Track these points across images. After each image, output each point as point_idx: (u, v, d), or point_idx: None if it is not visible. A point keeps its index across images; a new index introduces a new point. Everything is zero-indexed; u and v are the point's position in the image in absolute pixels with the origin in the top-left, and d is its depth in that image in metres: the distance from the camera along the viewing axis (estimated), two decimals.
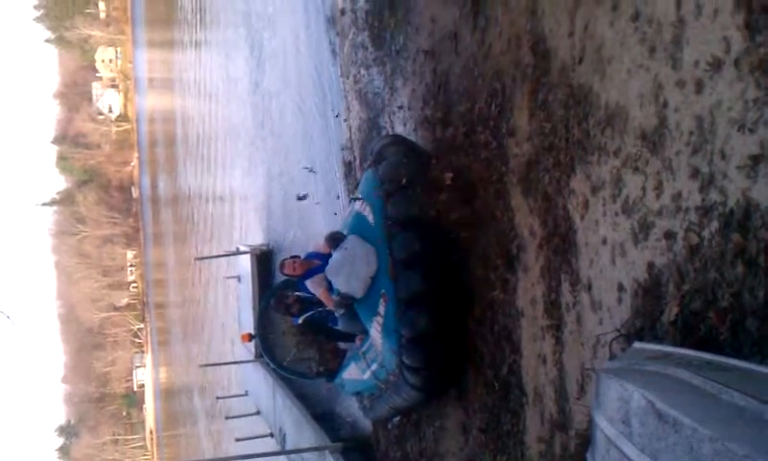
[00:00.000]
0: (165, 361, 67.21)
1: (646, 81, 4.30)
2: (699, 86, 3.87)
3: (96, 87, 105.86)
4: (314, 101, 14.09)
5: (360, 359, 8.40)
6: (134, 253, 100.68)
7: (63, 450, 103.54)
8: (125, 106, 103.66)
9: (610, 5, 4.68)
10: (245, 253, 19.02)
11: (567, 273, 5.35)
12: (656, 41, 4.21)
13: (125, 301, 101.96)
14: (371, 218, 7.62)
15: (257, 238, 19.84)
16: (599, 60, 4.82)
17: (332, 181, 12.77)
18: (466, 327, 7.10)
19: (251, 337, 13.70)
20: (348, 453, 10.97)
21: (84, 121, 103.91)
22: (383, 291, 7.34)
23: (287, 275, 8.78)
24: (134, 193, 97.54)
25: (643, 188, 4.36)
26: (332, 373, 10.06)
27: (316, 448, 11.65)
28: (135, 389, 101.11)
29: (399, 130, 9.10)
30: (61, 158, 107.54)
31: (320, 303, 8.66)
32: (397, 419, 9.34)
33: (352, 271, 7.58)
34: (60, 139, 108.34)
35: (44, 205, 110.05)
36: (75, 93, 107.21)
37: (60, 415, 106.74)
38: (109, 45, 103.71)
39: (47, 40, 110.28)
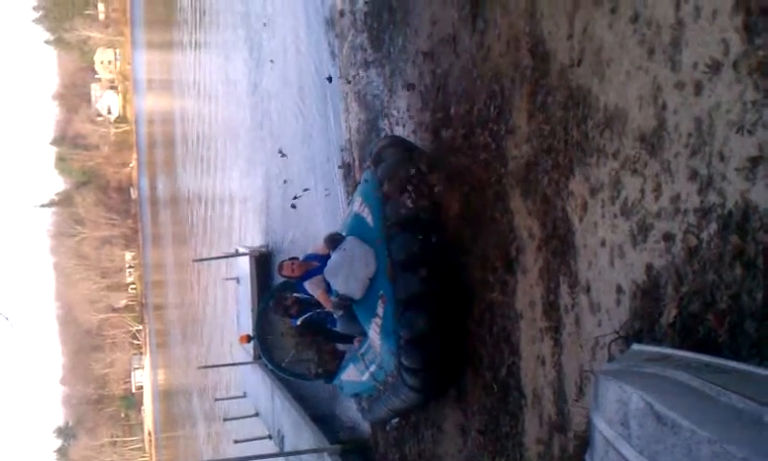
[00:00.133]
0: (164, 363, 67.19)
1: (645, 83, 4.31)
2: (698, 88, 3.87)
3: (95, 89, 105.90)
4: (313, 102, 14.09)
5: (359, 361, 8.40)
6: (133, 254, 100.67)
7: (62, 452, 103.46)
8: (124, 107, 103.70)
9: (608, 7, 4.68)
10: (244, 254, 19.03)
11: (566, 275, 5.35)
12: (655, 43, 4.21)
13: (123, 302, 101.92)
14: (369, 219, 7.62)
15: (256, 240, 19.84)
16: (598, 63, 4.82)
17: (331, 182, 12.77)
18: (464, 329, 7.10)
19: (249, 338, 13.70)
20: (347, 455, 10.97)
21: (83, 122, 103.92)
22: (382, 292, 7.34)
23: (286, 276, 8.78)
24: (133, 194, 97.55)
25: (642, 190, 4.37)
26: (331, 374, 10.06)
27: (314, 450, 11.64)
28: (134, 391, 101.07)
29: (398, 131, 9.10)
30: (60, 160, 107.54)
31: (318, 305, 8.66)
32: (396, 421, 9.33)
33: (351, 272, 7.57)
34: (58, 141, 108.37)
35: (43, 206, 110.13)
36: (74, 95, 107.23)
37: (59, 417, 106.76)
38: (108, 47, 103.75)
39: (46, 42, 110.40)
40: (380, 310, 7.35)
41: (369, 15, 10.29)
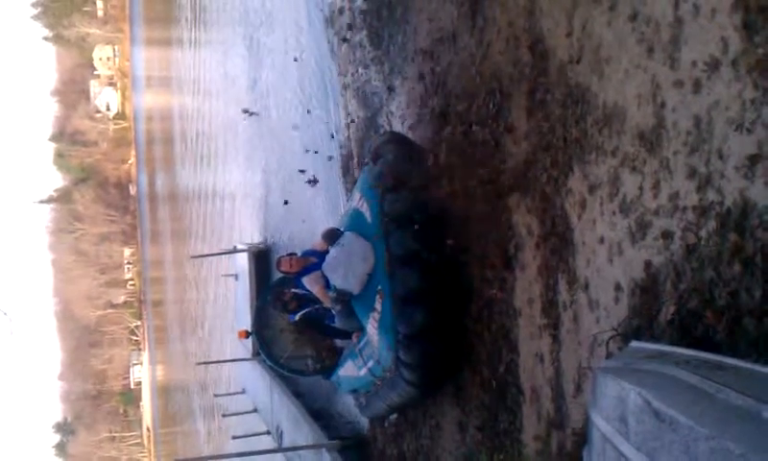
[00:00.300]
0: (162, 359, 67.19)
1: (644, 81, 4.31)
2: (697, 86, 3.88)
3: (94, 85, 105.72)
4: (312, 100, 14.08)
5: (356, 356, 8.41)
6: (132, 250, 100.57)
7: (60, 448, 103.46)
8: (122, 104, 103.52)
9: (608, 5, 4.69)
10: (242, 251, 19.02)
11: (565, 272, 5.36)
12: (654, 41, 4.22)
13: (122, 298, 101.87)
14: (368, 215, 7.62)
15: (255, 236, 19.82)
16: (597, 60, 4.83)
17: (330, 178, 12.77)
18: (463, 326, 7.10)
19: (247, 334, 13.69)
20: (345, 451, 10.97)
21: (82, 119, 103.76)
22: (380, 287, 7.34)
23: (284, 272, 8.77)
24: (132, 191, 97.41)
25: (641, 188, 4.38)
26: (329, 370, 10.07)
27: (313, 446, 11.65)
28: (132, 386, 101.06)
29: (397, 128, 9.10)
30: (59, 156, 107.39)
31: (317, 301, 8.66)
32: (394, 416, 9.34)
33: (349, 267, 7.58)
34: (57, 137, 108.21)
35: (41, 202, 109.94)
36: (73, 91, 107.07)
37: (57, 412, 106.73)
38: (107, 43, 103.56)
39: (45, 38, 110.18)
40: (378, 305, 7.35)
41: (368, 13, 10.29)
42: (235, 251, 20.13)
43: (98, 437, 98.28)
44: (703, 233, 3.87)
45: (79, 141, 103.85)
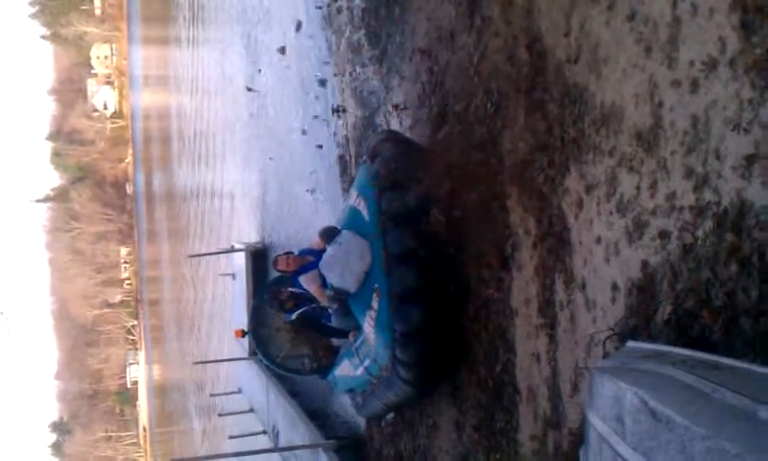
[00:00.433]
0: (159, 358, 67.17)
1: (642, 80, 4.32)
2: (694, 86, 3.88)
3: (91, 84, 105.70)
4: (310, 99, 14.07)
5: (353, 355, 8.40)
6: (128, 249, 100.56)
7: (56, 447, 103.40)
8: (120, 102, 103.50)
9: (606, 4, 4.69)
10: (239, 250, 19.00)
11: (561, 272, 5.36)
12: (651, 41, 4.22)
13: (119, 297, 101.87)
14: (365, 213, 7.62)
15: (252, 235, 19.82)
16: (595, 60, 4.83)
17: (328, 177, 12.77)
18: (460, 325, 7.10)
19: (243, 333, 13.68)
20: (342, 451, 10.97)
21: (79, 118, 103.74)
22: (377, 286, 7.33)
23: (281, 271, 8.77)
24: (129, 190, 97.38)
25: (638, 187, 4.38)
26: (325, 369, 10.06)
27: (309, 446, 11.64)
28: (129, 386, 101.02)
29: (395, 127, 9.10)
30: (56, 155, 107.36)
31: (313, 300, 8.65)
32: (391, 416, 9.34)
33: (346, 265, 7.58)
34: (54, 136, 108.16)
35: (38, 201, 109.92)
36: (70, 90, 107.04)
37: (53, 412, 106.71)
38: (105, 42, 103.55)
39: (42, 37, 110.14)
40: (375, 303, 7.34)
41: (366, 12, 10.28)
42: (232, 250, 20.12)
43: (94, 436, 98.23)
44: (700, 233, 3.87)
45: (76, 140, 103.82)
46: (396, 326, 7.12)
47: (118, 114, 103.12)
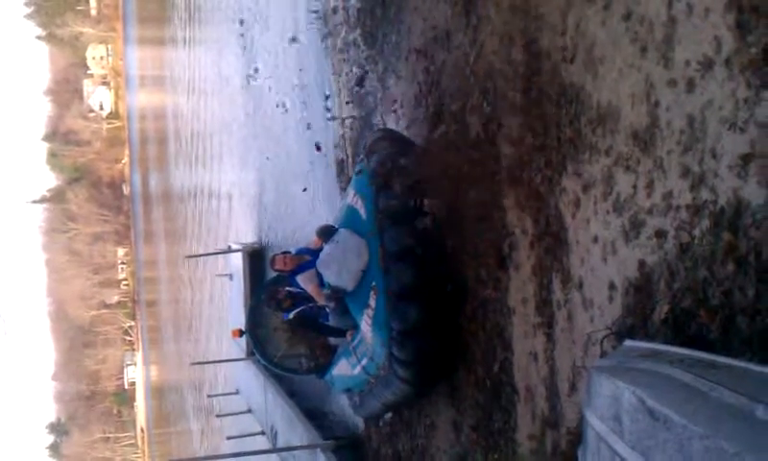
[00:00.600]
0: (156, 359, 67.02)
1: (638, 80, 4.32)
2: (690, 86, 3.89)
3: (87, 85, 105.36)
4: (306, 98, 14.07)
5: (350, 354, 8.40)
6: (125, 250, 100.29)
7: (54, 448, 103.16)
8: (116, 103, 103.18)
9: (602, 4, 4.69)
10: (236, 250, 18.98)
11: (559, 271, 5.37)
12: (647, 41, 4.23)
13: (116, 298, 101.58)
14: (362, 211, 7.62)
15: (249, 236, 19.80)
16: (591, 60, 4.83)
17: (325, 176, 12.76)
18: (457, 324, 7.11)
19: (241, 333, 13.65)
20: (340, 451, 10.97)
21: (75, 118, 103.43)
22: (374, 284, 7.33)
23: (278, 270, 8.76)
24: (125, 190, 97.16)
25: (634, 187, 4.38)
26: (323, 369, 10.05)
27: (307, 447, 11.64)
28: (126, 387, 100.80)
29: (391, 127, 9.09)
30: (52, 156, 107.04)
31: (311, 299, 8.65)
32: (389, 416, 9.34)
33: (344, 264, 7.58)
34: (50, 136, 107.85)
35: (35, 202, 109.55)
36: (66, 90, 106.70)
37: (51, 413, 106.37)
38: (101, 42, 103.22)
39: (38, 37, 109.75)
40: (372, 302, 7.34)
41: (361, 12, 10.28)
42: (230, 250, 20.09)
43: (92, 438, 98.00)
44: (696, 232, 3.88)
45: (72, 141, 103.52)
46: (393, 324, 7.12)
47: (114, 115, 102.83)
